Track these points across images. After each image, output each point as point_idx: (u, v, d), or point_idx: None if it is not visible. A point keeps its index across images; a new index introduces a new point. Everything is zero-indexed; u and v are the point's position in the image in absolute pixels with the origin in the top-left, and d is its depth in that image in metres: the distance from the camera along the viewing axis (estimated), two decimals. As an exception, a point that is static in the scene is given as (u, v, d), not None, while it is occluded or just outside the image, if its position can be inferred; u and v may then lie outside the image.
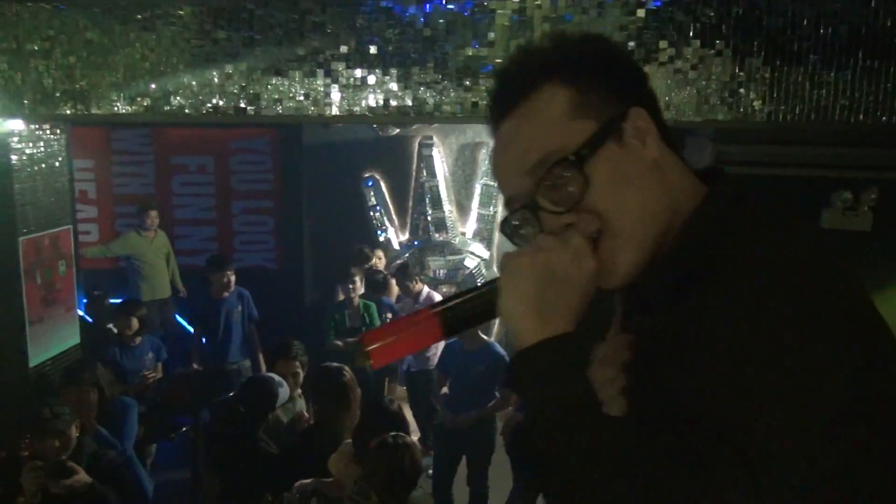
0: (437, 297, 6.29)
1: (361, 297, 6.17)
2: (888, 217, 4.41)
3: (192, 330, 6.07)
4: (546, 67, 0.95)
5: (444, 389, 5.19)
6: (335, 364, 4.06)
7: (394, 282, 6.63)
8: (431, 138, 7.51)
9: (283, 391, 3.86)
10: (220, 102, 3.29)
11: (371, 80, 3.18)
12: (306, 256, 7.93)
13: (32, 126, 3.69)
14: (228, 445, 3.76)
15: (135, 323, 4.96)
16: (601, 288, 0.93)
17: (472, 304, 0.93)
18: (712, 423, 0.76)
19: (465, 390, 4.94)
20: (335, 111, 3.22)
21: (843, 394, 0.79)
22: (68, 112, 3.43)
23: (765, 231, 0.89)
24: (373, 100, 3.18)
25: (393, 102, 3.16)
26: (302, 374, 4.29)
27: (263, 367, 5.89)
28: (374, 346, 0.91)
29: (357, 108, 3.19)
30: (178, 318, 6.97)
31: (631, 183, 0.93)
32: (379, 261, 7.06)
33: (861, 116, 3.10)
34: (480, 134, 7.28)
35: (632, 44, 3.09)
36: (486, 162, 7.47)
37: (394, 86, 3.16)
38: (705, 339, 0.81)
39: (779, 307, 0.78)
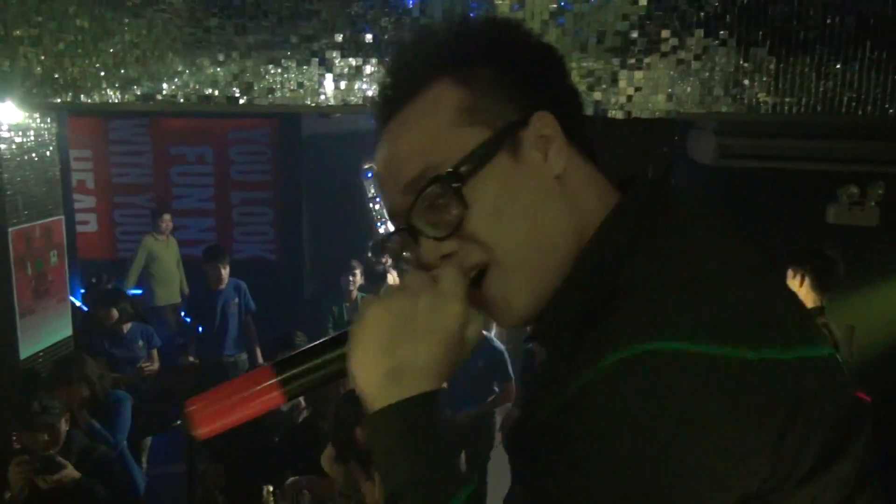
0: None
1: (360, 289, 6.10)
2: (894, 211, 4.34)
3: (188, 320, 6.03)
4: (438, 60, 0.80)
5: (443, 385, 5.13)
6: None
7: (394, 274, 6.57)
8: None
9: None
10: (213, 91, 3.22)
11: (367, 69, 3.11)
12: (305, 248, 7.89)
13: (22, 115, 3.62)
14: (227, 436, 3.74)
15: (114, 313, 4.91)
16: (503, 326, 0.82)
17: (324, 366, 0.78)
18: None
19: (463, 386, 4.88)
20: (330, 101, 3.15)
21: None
22: (59, 100, 3.37)
23: (659, 268, 0.71)
24: (368, 89, 3.11)
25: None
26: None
27: (260, 360, 5.87)
28: (198, 412, 0.75)
29: (352, 98, 3.12)
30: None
31: (522, 205, 0.77)
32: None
33: (869, 109, 3.02)
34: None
35: (634, 33, 3.01)
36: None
37: (389, 75, 3.08)
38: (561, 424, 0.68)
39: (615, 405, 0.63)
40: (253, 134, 7.62)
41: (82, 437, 3.44)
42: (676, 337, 0.62)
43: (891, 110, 3.04)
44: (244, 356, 5.75)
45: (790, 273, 3.63)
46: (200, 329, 5.70)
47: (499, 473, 4.86)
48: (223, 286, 5.52)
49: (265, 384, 0.76)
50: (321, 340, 0.80)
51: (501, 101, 0.78)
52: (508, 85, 0.79)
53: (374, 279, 6.41)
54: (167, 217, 6.74)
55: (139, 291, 6.65)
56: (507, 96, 0.78)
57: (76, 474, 3.09)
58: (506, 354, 4.90)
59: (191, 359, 5.61)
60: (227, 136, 7.65)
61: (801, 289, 3.57)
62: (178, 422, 4.90)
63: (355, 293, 6.01)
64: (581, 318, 0.72)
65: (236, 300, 5.62)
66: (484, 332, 4.90)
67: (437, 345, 0.74)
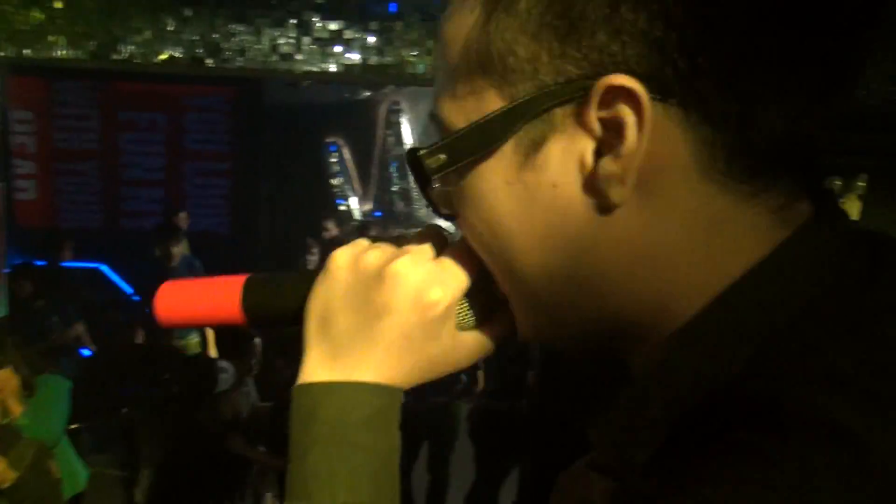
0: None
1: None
2: (877, 206, 4.29)
3: (138, 298, 5.72)
4: None
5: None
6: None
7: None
8: (399, 104, 7.21)
9: (226, 376, 3.62)
10: (176, 53, 2.92)
11: (347, 33, 2.85)
12: (261, 223, 7.61)
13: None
14: (166, 427, 3.56)
15: (28, 286, 4.64)
16: None
17: (286, 291, 0.62)
18: None
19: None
20: (305, 67, 2.88)
21: None
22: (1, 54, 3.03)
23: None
24: (348, 57, 2.86)
25: (371, 61, 2.84)
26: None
27: (211, 342, 5.60)
28: (165, 296, 0.65)
29: (331, 65, 2.86)
30: (122, 283, 6.55)
31: (544, 233, 0.47)
32: (328, 232, 6.70)
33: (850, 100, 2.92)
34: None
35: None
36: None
37: (372, 40, 2.83)
38: None
39: None
40: (210, 101, 7.26)
41: (15, 428, 3.15)
42: None
43: (873, 102, 2.93)
44: (196, 338, 5.47)
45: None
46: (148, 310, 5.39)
47: (465, 464, 4.77)
48: (175, 264, 5.22)
49: (231, 295, 0.63)
50: (303, 271, 0.64)
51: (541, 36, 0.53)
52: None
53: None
54: (183, 215, 6.46)
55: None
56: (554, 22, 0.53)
57: (10, 470, 2.82)
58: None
59: (138, 341, 5.31)
60: (181, 102, 7.27)
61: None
62: (125, 409, 4.68)
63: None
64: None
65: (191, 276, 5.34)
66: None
67: (400, 330, 0.54)
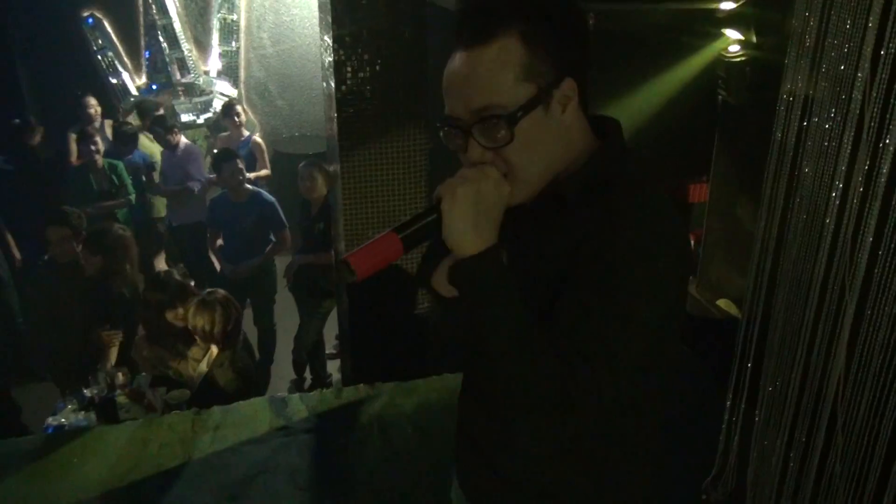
0: (196, 149, 6.13)
1: (105, 156, 5.80)
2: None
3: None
4: (510, 18, 1.09)
5: (219, 241, 5.26)
6: (116, 223, 4.03)
7: (143, 136, 6.29)
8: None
9: None
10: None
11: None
12: (28, 111, 7.11)
13: None
14: None
15: None
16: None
17: (426, 228, 1.13)
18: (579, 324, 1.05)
19: (240, 240, 5.05)
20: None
21: (673, 296, 1.09)
22: None
23: (635, 184, 1.14)
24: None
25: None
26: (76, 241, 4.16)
27: (12, 242, 5.51)
28: (357, 263, 1.10)
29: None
30: None
31: (543, 145, 1.13)
32: (94, 110, 6.34)
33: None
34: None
35: None
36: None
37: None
38: (586, 252, 1.08)
39: (641, 237, 1.05)
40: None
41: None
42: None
43: None
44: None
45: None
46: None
47: (285, 314, 5.28)
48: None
49: (393, 241, 1.12)
50: (422, 213, 1.14)
51: (549, 65, 1.11)
52: (556, 51, 1.11)
53: (124, 140, 6.11)
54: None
55: None
56: (552, 61, 1.11)
57: None
58: (277, 205, 5.11)
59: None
60: None
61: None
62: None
63: (101, 161, 5.70)
64: (583, 196, 1.14)
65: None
66: (250, 188, 5.08)
67: (498, 212, 1.12)
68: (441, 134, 1.18)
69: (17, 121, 6.10)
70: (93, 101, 6.32)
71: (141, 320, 3.53)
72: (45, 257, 4.31)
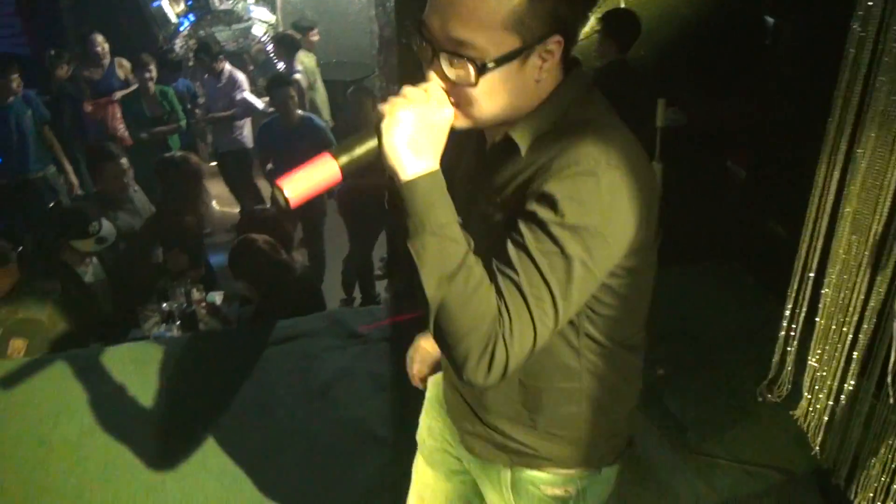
0: (240, 75, 6.21)
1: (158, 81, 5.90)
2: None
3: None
4: None
5: (269, 166, 5.39)
6: (179, 153, 4.14)
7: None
8: None
9: (107, 229, 3.74)
10: None
11: None
12: (69, 38, 7.18)
13: None
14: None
15: None
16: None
17: (366, 152, 1.06)
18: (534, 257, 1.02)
19: (291, 165, 5.14)
20: None
21: (634, 234, 1.07)
22: None
23: (595, 124, 1.09)
24: None
25: None
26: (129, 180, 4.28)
27: (70, 168, 5.68)
28: (288, 187, 1.04)
29: None
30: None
31: (505, 96, 1.07)
32: (101, 48, 6.21)
33: None
34: None
35: None
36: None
37: None
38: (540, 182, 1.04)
39: (598, 169, 1.01)
40: None
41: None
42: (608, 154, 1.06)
43: None
44: (52, 168, 5.52)
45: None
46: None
47: (335, 238, 5.46)
48: (14, 99, 5.11)
49: (329, 163, 1.06)
50: (359, 134, 1.07)
51: (539, 18, 1.02)
52: (552, 5, 1.02)
53: (171, 67, 6.20)
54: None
55: None
56: (544, 16, 1.02)
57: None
58: (328, 130, 5.21)
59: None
60: None
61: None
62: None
63: (153, 87, 5.82)
64: (538, 137, 1.11)
65: (30, 112, 5.26)
66: (301, 112, 5.18)
67: (439, 135, 1.07)
68: (411, 38, 1.13)
69: (53, 52, 6.18)
70: (100, 38, 6.26)
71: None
72: (94, 190, 4.44)
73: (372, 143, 1.05)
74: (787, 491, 2.52)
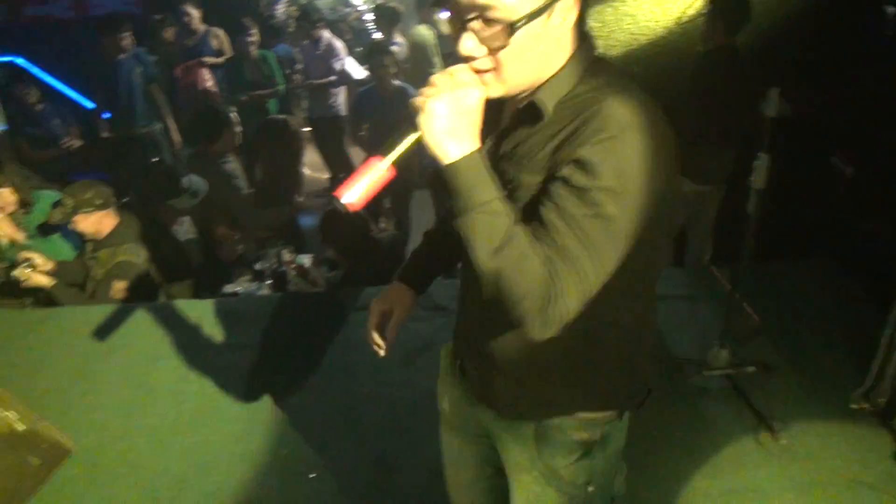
0: (339, 43, 6.29)
1: (260, 46, 6.04)
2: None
3: (92, 105, 5.81)
4: None
5: (362, 132, 5.46)
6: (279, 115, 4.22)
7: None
8: None
9: (197, 184, 3.90)
10: None
11: None
12: (175, 2, 7.37)
13: None
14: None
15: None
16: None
17: (405, 145, 1.16)
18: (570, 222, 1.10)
19: (384, 133, 5.20)
20: None
21: (662, 192, 1.12)
22: None
23: (614, 88, 1.15)
24: None
25: None
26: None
27: (174, 126, 5.90)
28: (346, 196, 1.14)
29: None
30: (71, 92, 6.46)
31: (535, 54, 1.16)
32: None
33: None
34: None
35: None
36: None
37: None
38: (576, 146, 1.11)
39: (625, 136, 1.08)
40: None
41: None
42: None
43: None
44: (158, 126, 5.75)
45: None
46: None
47: (420, 209, 5.50)
48: (125, 57, 5.34)
49: (377, 166, 1.16)
50: (399, 132, 1.16)
51: None
52: None
53: (271, 33, 6.33)
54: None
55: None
56: None
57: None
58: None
59: (105, 134, 5.56)
60: None
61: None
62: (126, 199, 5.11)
63: (254, 52, 5.96)
64: (560, 102, 1.19)
65: (139, 70, 5.48)
66: (397, 83, 5.22)
67: (474, 116, 1.15)
68: (440, 14, 1.18)
69: (158, 17, 6.36)
70: (190, 8, 6.14)
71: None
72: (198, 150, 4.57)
73: (413, 138, 1.15)
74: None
